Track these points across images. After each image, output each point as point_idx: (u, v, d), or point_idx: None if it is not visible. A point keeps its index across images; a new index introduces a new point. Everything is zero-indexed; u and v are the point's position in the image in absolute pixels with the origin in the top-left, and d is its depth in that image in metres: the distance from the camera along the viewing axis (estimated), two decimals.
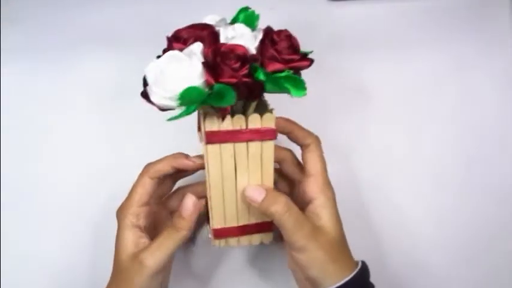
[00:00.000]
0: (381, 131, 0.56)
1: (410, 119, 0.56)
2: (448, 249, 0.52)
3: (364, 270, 0.41)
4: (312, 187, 0.41)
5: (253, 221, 0.43)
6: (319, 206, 0.41)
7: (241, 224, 0.43)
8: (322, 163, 0.43)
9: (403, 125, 0.56)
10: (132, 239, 0.40)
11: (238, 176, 0.41)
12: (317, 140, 0.43)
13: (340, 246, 0.41)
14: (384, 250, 0.52)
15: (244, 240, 0.44)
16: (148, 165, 0.43)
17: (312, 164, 0.42)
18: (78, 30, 0.59)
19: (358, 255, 0.42)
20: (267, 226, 0.44)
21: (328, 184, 0.42)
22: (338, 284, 0.38)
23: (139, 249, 0.40)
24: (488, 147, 0.55)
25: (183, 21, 0.59)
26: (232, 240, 0.44)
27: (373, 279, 0.42)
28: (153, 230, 0.43)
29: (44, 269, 0.52)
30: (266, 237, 0.45)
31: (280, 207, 0.39)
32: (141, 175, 0.42)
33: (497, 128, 0.56)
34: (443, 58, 0.58)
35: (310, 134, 0.43)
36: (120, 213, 0.42)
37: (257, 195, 0.40)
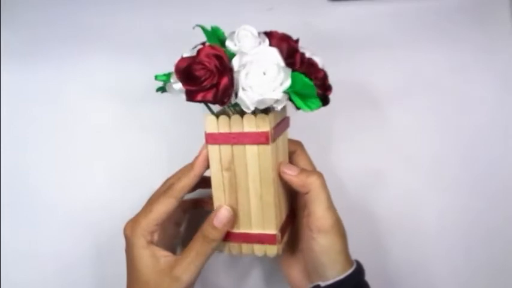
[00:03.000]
0: (380, 130, 0.56)
1: (409, 118, 0.56)
2: (449, 249, 0.52)
3: (360, 268, 0.42)
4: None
5: (255, 230, 0.42)
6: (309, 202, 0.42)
7: (242, 231, 0.42)
8: (311, 163, 0.45)
9: (402, 125, 0.56)
10: (152, 255, 0.40)
11: (238, 180, 0.40)
12: (301, 144, 0.45)
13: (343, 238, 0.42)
14: (384, 248, 0.52)
15: (247, 249, 0.43)
16: (172, 185, 0.42)
17: (304, 166, 0.44)
18: (78, 30, 0.59)
19: (357, 253, 0.43)
20: (269, 239, 0.42)
21: (311, 170, 0.45)
22: (342, 276, 0.39)
23: (168, 263, 0.39)
24: (489, 147, 0.55)
25: (183, 21, 0.59)
26: (235, 248, 0.43)
27: (372, 277, 0.42)
28: (161, 240, 0.43)
29: (44, 268, 0.52)
30: (270, 250, 0.42)
31: (318, 178, 0.41)
32: (166, 196, 0.41)
33: (498, 128, 0.56)
34: (443, 58, 0.58)
35: (292, 141, 0.45)
36: (133, 230, 0.41)
37: (293, 169, 0.41)
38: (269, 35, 0.40)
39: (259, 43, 0.38)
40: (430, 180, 0.54)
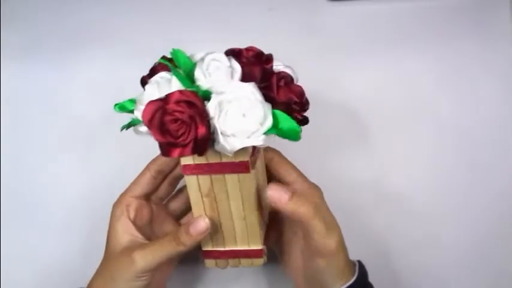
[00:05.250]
0: (380, 130, 0.56)
1: (410, 118, 0.56)
2: (450, 251, 0.52)
3: (363, 270, 0.41)
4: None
5: (240, 247, 0.41)
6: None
7: (228, 248, 0.42)
8: (295, 168, 0.42)
9: (402, 125, 0.56)
10: (123, 229, 0.40)
11: (219, 205, 0.39)
12: (279, 152, 0.43)
13: (342, 246, 0.40)
14: (385, 251, 0.52)
15: (233, 262, 0.42)
16: (151, 160, 0.43)
17: (286, 173, 0.42)
18: (78, 30, 0.59)
19: (359, 256, 0.43)
20: (256, 253, 0.41)
21: (308, 186, 0.41)
22: (346, 285, 0.38)
23: (133, 244, 0.40)
24: (489, 148, 0.55)
25: (183, 22, 0.59)
26: (221, 262, 0.42)
27: (373, 280, 0.42)
28: (149, 229, 0.43)
29: (44, 269, 0.52)
30: (257, 262, 0.42)
31: (311, 206, 0.37)
32: (144, 169, 0.43)
33: (498, 128, 0.56)
34: (443, 58, 0.57)
35: (269, 149, 0.43)
36: (116, 202, 0.42)
37: (282, 195, 0.37)
38: (239, 55, 0.35)
39: (231, 73, 0.33)
40: (430, 180, 0.54)
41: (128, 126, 0.38)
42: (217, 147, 0.33)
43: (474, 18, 0.59)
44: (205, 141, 0.32)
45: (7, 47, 0.59)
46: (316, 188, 0.41)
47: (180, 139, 0.31)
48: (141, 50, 0.58)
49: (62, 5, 0.60)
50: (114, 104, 0.37)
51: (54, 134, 0.56)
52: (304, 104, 0.36)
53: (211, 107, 0.32)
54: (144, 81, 0.38)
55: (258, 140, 0.32)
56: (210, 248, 0.42)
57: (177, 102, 0.31)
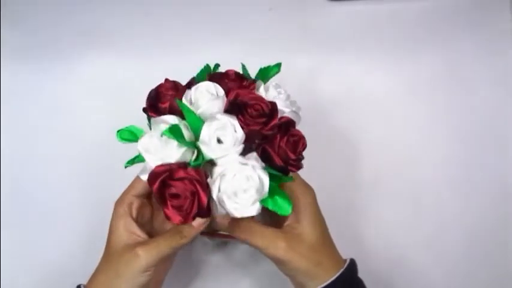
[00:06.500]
0: (379, 130, 0.56)
1: (409, 118, 0.56)
2: (445, 251, 0.52)
3: (350, 268, 0.41)
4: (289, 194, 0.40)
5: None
6: (297, 213, 0.41)
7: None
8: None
9: (401, 125, 0.56)
10: (125, 227, 0.41)
11: None
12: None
13: (323, 247, 0.41)
14: (377, 251, 0.52)
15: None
16: None
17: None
18: (78, 30, 0.59)
19: (350, 255, 0.43)
20: None
21: (304, 186, 0.42)
22: (323, 285, 0.39)
23: (135, 241, 0.40)
24: (488, 148, 0.55)
25: (183, 22, 0.59)
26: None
27: (365, 279, 0.42)
28: (150, 227, 0.44)
29: (44, 269, 0.52)
30: None
31: (243, 234, 0.40)
32: None
33: (497, 128, 0.56)
34: (443, 58, 0.58)
35: None
36: (118, 201, 0.43)
37: (253, 237, 0.40)
38: (240, 113, 0.35)
39: (235, 142, 0.35)
40: (429, 180, 0.54)
41: (132, 162, 0.39)
42: (216, 211, 0.35)
43: (474, 18, 0.59)
44: (206, 213, 0.34)
45: (7, 47, 0.59)
46: (309, 189, 0.42)
47: (183, 212, 0.34)
48: (141, 50, 0.58)
49: (62, 6, 0.60)
50: (117, 132, 0.39)
51: (54, 134, 0.56)
52: (300, 160, 0.38)
53: (213, 183, 0.34)
54: (148, 113, 0.39)
55: (254, 210, 0.35)
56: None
57: (181, 180, 0.34)
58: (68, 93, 0.57)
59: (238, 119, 0.35)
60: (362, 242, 0.53)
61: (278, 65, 0.42)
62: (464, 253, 0.53)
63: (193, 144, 0.36)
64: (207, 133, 0.35)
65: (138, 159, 0.38)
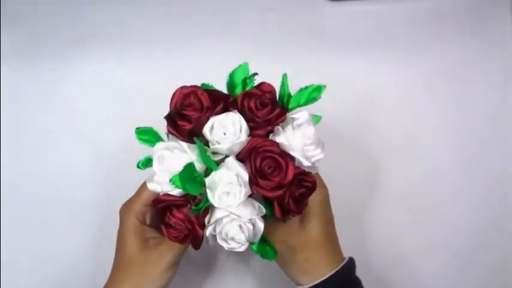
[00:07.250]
0: (379, 130, 0.56)
1: (409, 118, 0.56)
2: (443, 250, 0.53)
3: (347, 267, 0.41)
4: None
5: None
6: (307, 213, 0.41)
7: None
8: None
9: (401, 125, 0.56)
10: (140, 235, 0.41)
11: None
12: None
13: (325, 245, 0.42)
14: (376, 249, 0.53)
15: None
16: None
17: None
18: (78, 30, 0.59)
19: (350, 253, 0.43)
20: None
21: (317, 184, 0.42)
22: (317, 282, 0.40)
23: (153, 243, 0.41)
24: (488, 149, 0.55)
25: (183, 21, 0.59)
26: None
27: (365, 279, 0.42)
28: (153, 222, 0.44)
29: (44, 269, 0.52)
30: None
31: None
32: None
33: (497, 128, 0.56)
34: (443, 58, 0.58)
35: None
36: (126, 210, 0.42)
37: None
38: (254, 178, 0.35)
39: (240, 199, 0.35)
40: (429, 180, 0.54)
41: (145, 165, 0.39)
42: (209, 242, 0.38)
43: (474, 18, 0.59)
44: (199, 246, 0.37)
45: (7, 47, 0.59)
46: (320, 188, 0.42)
47: (177, 239, 0.37)
48: (141, 50, 0.58)
49: (62, 6, 0.60)
50: (136, 130, 0.39)
51: (54, 134, 0.56)
52: (301, 212, 0.39)
53: (209, 223, 0.36)
54: (167, 127, 0.38)
55: (242, 249, 0.37)
56: None
57: (181, 220, 0.36)
58: (67, 93, 0.57)
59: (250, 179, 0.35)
60: (363, 242, 0.53)
61: (319, 88, 0.39)
62: (465, 254, 0.53)
63: (201, 182, 0.36)
64: (214, 183, 0.35)
65: (152, 163, 0.38)
